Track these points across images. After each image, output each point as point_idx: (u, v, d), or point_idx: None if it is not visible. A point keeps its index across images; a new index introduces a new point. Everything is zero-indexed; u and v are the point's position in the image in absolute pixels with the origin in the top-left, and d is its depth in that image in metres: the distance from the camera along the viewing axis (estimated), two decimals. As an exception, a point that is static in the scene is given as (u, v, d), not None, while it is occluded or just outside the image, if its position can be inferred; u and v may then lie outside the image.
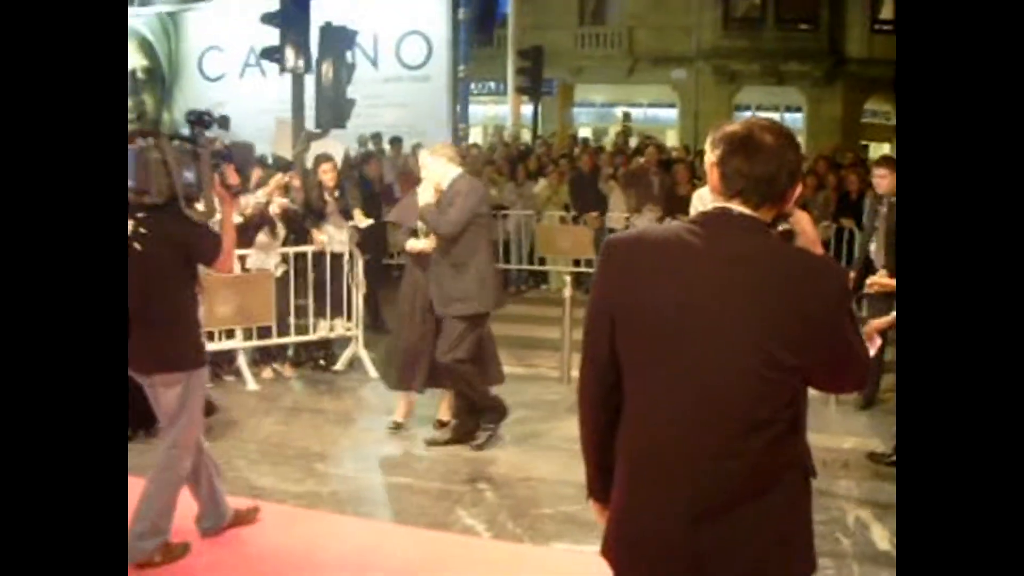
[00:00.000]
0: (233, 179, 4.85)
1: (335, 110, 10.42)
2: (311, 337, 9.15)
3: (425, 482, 6.26)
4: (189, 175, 4.58)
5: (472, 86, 21.33)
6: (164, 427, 4.85)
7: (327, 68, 10.49)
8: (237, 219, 8.42)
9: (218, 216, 4.85)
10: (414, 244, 6.93)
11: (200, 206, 4.68)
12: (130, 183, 4.47)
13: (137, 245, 4.49)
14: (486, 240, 6.84)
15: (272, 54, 10.52)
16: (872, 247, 7.45)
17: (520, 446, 6.84)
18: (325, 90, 10.49)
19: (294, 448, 6.85)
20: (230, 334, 8.71)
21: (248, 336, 8.74)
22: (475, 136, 22.58)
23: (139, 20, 23.63)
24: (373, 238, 10.03)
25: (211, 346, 8.59)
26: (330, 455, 6.80)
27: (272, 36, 10.80)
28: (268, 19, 10.41)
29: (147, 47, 23.64)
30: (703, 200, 4.87)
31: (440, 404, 7.26)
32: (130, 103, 23.71)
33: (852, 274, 6.74)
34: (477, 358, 6.78)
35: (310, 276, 8.88)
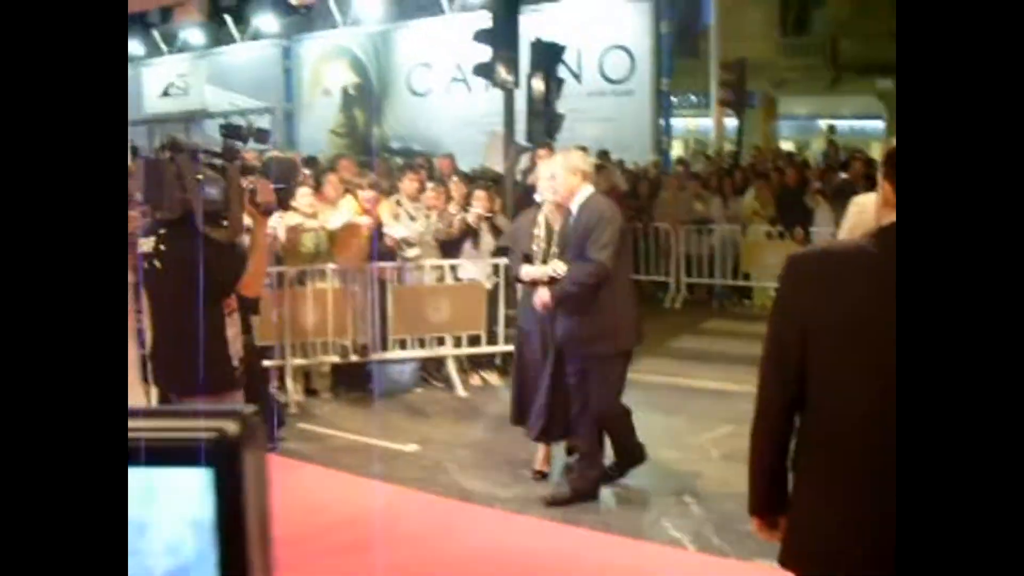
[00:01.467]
0: (267, 196, 4.49)
1: (545, 124, 10.59)
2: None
3: (631, 492, 6.29)
4: (212, 191, 4.26)
5: (673, 99, 21.21)
6: None
7: (537, 83, 10.68)
8: (408, 232, 8.70)
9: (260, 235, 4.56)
10: (530, 272, 6.13)
11: (228, 224, 4.38)
12: (139, 196, 4.37)
13: (157, 263, 4.34)
14: (628, 267, 6.39)
15: (483, 70, 10.75)
16: None
17: (727, 461, 6.78)
18: (535, 104, 10.68)
19: (502, 454, 6.99)
20: (441, 341, 9.00)
21: (458, 343, 9.00)
22: (677, 149, 22.45)
23: (350, 39, 24.58)
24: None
25: (422, 352, 8.92)
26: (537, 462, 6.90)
27: (481, 52, 11.05)
28: (480, 36, 10.65)
29: (358, 64, 24.54)
30: (859, 206, 4.72)
31: (536, 453, 6.63)
32: (341, 118, 24.69)
33: None
34: None
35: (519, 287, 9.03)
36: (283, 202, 4.68)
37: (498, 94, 11.00)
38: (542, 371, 6.17)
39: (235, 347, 4.55)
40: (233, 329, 4.54)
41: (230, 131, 4.67)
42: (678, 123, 21.17)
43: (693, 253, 13.36)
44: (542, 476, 6.52)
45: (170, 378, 4.37)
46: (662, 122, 20.15)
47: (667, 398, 8.50)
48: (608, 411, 6.02)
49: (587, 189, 5.95)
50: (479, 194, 8.99)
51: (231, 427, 0.93)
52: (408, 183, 9.13)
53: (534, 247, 6.15)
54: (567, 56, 18.13)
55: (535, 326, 6.27)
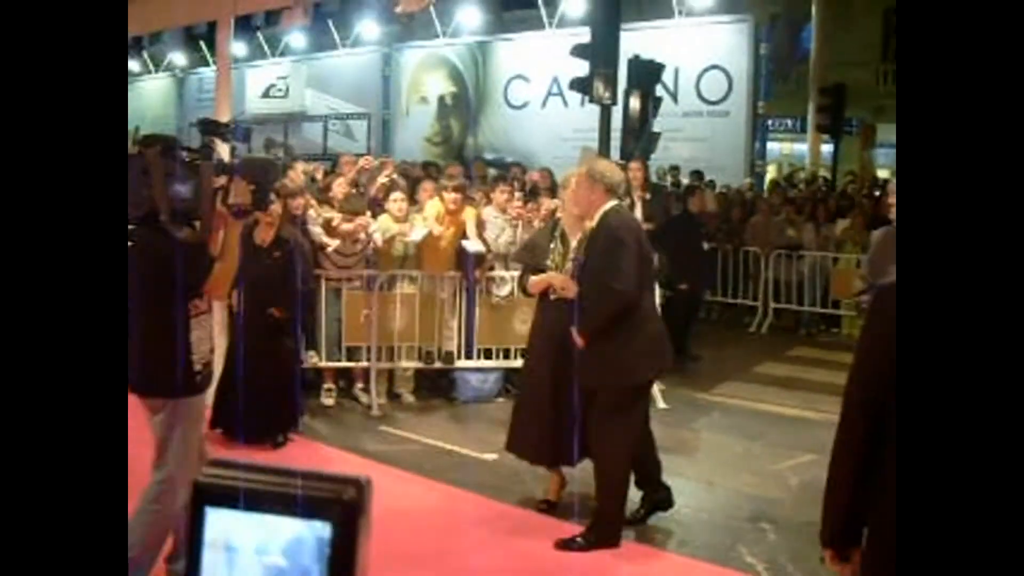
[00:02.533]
0: (240, 197, 4.18)
1: (640, 142, 10.60)
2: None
3: (709, 515, 6.26)
4: (183, 189, 4.05)
5: (769, 122, 21.05)
6: (156, 457, 4.38)
7: (634, 100, 10.70)
8: (481, 247, 8.70)
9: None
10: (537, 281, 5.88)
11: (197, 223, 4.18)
12: None
13: None
14: (651, 293, 5.74)
15: (580, 85, 10.80)
16: None
17: (806, 490, 6.70)
18: (631, 122, 10.70)
19: (580, 468, 6.98)
20: (525, 352, 9.03)
21: (542, 356, 9.02)
22: (771, 173, 22.25)
23: (449, 49, 24.82)
24: (687, 268, 10.18)
25: (507, 363, 8.95)
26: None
27: (579, 67, 11.09)
28: (578, 51, 10.71)
29: (456, 74, 24.78)
30: None
31: (549, 483, 6.29)
32: (436, 127, 24.93)
33: None
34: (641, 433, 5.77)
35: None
36: (259, 204, 4.45)
37: (593, 110, 11.03)
38: (547, 393, 5.81)
39: (200, 350, 4.39)
40: (200, 331, 4.39)
41: (208, 127, 4.53)
42: (773, 146, 20.99)
43: (782, 279, 13.23)
44: (549, 506, 6.14)
45: (130, 378, 4.05)
46: (757, 145, 20.01)
47: (748, 423, 8.44)
48: (613, 448, 5.52)
49: (610, 203, 5.44)
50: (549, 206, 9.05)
51: (350, 492, 1.11)
52: (499, 194, 9.19)
53: (548, 261, 5.86)
54: (664, 74, 18.20)
55: (545, 344, 5.90)
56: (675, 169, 16.90)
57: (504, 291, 8.90)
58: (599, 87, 10.26)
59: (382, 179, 9.69)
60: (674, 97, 19.65)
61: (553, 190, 10.33)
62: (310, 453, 7.25)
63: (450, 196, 8.68)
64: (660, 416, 8.51)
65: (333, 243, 8.31)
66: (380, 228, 8.52)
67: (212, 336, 4.64)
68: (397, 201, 8.66)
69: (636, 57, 11.20)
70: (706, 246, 12.08)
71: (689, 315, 10.92)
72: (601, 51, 10.35)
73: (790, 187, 17.25)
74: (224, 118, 11.27)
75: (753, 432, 8.14)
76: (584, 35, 11.62)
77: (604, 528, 5.53)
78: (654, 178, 15.91)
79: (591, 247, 5.46)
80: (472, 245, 8.50)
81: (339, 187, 8.91)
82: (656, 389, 8.98)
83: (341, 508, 1.11)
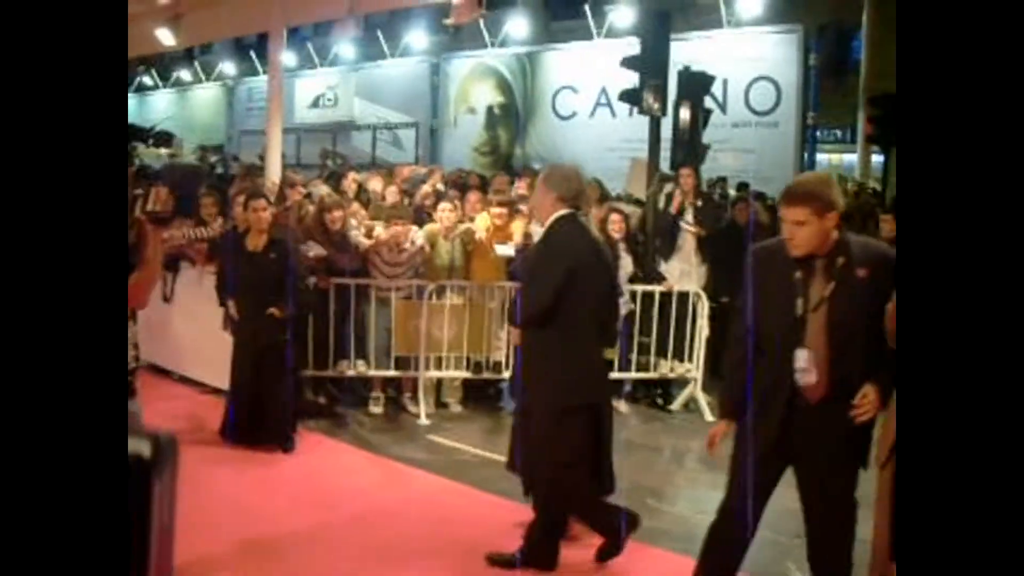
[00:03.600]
0: (160, 204, 4.02)
1: (690, 153, 10.55)
2: (651, 375, 9.26)
3: (757, 531, 6.20)
4: None
5: (818, 133, 20.89)
6: None
7: (684, 112, 10.65)
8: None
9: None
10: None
11: None
12: None
13: None
14: (588, 316, 5.18)
15: (630, 96, 10.78)
16: None
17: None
18: (681, 133, 10.65)
19: (627, 481, 6.94)
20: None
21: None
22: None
23: (498, 59, 24.90)
24: (732, 281, 10.10)
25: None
26: (663, 492, 6.87)
27: (627, 78, 11.06)
28: (628, 63, 10.67)
29: (504, 85, 24.85)
30: None
31: None
32: (485, 136, 25.01)
33: None
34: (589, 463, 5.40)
35: (655, 314, 9.02)
36: (184, 211, 4.20)
37: (642, 121, 10.99)
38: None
39: None
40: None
41: (131, 133, 4.19)
42: (822, 157, 20.81)
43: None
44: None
45: None
46: (806, 156, 19.85)
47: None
48: (544, 471, 5.31)
49: (560, 212, 5.18)
50: (614, 217, 8.99)
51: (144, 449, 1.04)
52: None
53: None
54: (714, 86, 18.11)
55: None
56: (722, 180, 16.76)
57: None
58: (649, 99, 10.23)
59: (427, 187, 9.73)
60: (722, 107, 19.55)
61: (601, 201, 10.34)
62: (323, 451, 7.39)
63: (496, 211, 8.70)
64: (707, 428, 8.47)
65: (311, 249, 8.32)
66: (425, 236, 8.58)
67: (137, 343, 4.48)
68: (445, 211, 8.70)
69: (686, 69, 11.16)
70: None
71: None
72: (651, 63, 10.31)
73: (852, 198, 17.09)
74: (276, 128, 11.44)
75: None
76: (632, 46, 11.60)
77: (534, 549, 5.33)
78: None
79: (531, 251, 5.43)
80: (503, 249, 8.51)
81: (390, 195, 8.98)
82: (703, 401, 8.96)
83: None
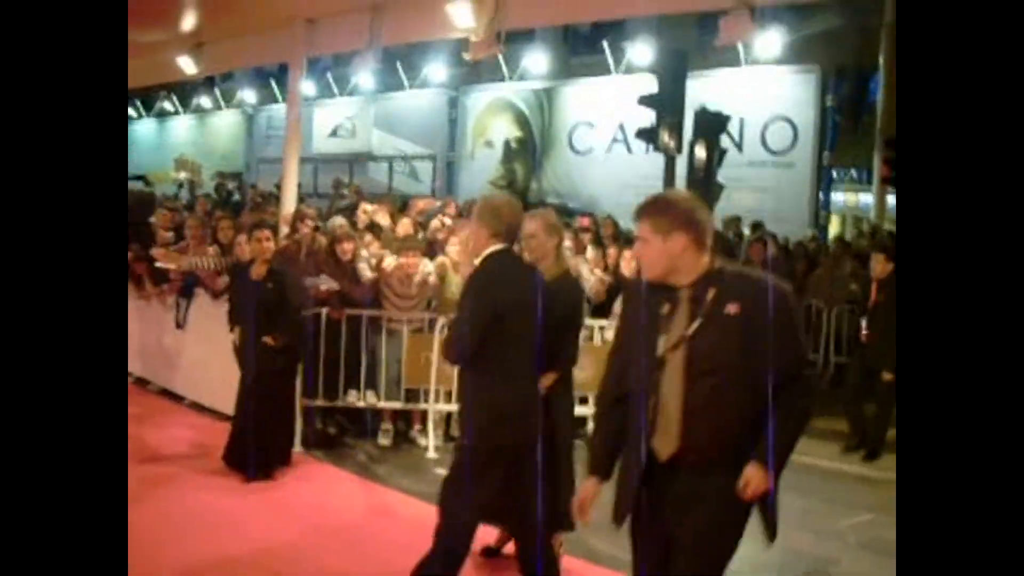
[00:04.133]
0: None
1: (704, 192, 10.59)
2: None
3: (762, 572, 6.16)
4: None
5: (835, 173, 20.89)
6: None
7: (700, 151, 10.71)
8: None
9: None
10: None
11: None
12: None
13: None
14: (519, 349, 4.89)
15: (647, 133, 10.84)
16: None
17: (865, 549, 6.60)
18: (696, 172, 10.71)
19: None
20: (584, 400, 8.99)
21: (599, 404, 8.98)
22: (835, 225, 22.04)
23: (515, 93, 24.98)
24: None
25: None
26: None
27: (644, 115, 11.11)
28: (646, 101, 10.75)
29: (522, 119, 24.90)
30: None
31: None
32: (501, 170, 25.05)
33: None
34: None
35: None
36: (137, 237, 4.00)
37: (658, 158, 11.06)
38: None
39: None
40: None
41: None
42: (837, 198, 20.79)
43: (844, 333, 13.04)
44: (491, 552, 6.01)
45: None
46: (821, 196, 19.84)
47: (805, 479, 8.29)
48: (448, 507, 5.02)
49: (493, 247, 4.94)
50: (627, 254, 9.01)
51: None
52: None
53: None
54: (730, 125, 18.08)
55: None
56: (737, 219, 16.69)
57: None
58: (665, 136, 10.29)
59: (435, 222, 9.76)
60: (739, 146, 19.57)
61: (616, 238, 10.36)
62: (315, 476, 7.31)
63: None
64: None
65: (323, 283, 8.36)
66: (435, 269, 8.60)
67: None
68: (454, 244, 8.71)
69: (703, 108, 11.22)
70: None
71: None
72: (668, 101, 10.38)
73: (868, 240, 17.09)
74: (292, 159, 11.51)
75: (810, 488, 8.00)
76: (650, 82, 11.66)
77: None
78: (718, 226, 15.85)
79: (463, 288, 5.10)
80: None
81: (402, 227, 9.01)
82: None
83: None
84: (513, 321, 4.80)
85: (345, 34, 11.04)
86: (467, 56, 9.53)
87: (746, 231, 16.12)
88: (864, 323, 8.96)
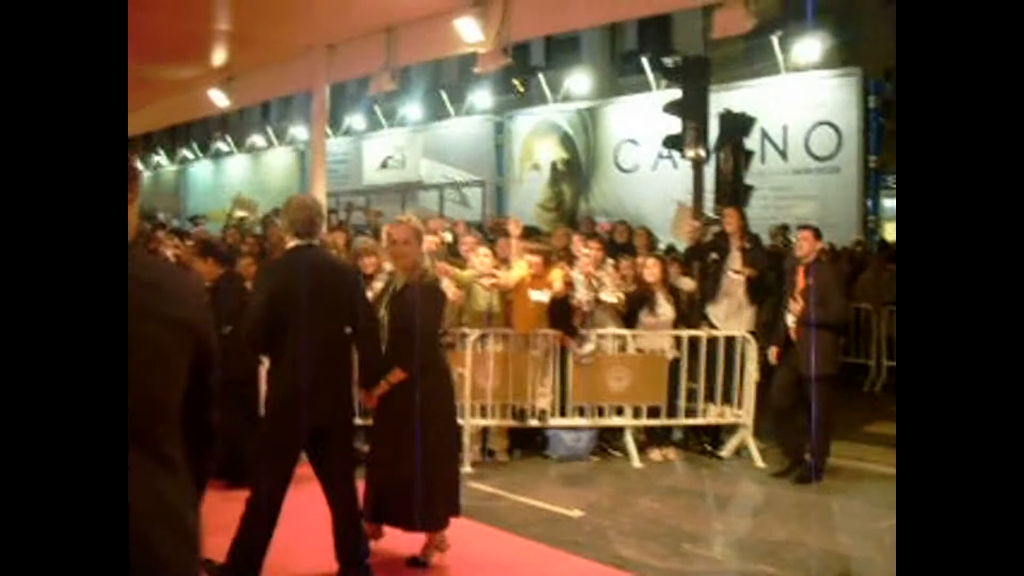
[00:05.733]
0: None
1: (732, 193, 10.52)
2: (699, 421, 9.13)
3: (794, 571, 6.07)
4: None
5: (884, 177, 20.54)
6: None
7: (725, 154, 10.64)
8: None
9: None
10: None
11: None
12: None
13: None
14: (310, 339, 5.06)
15: (674, 142, 10.81)
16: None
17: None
18: (723, 175, 10.64)
19: (665, 525, 6.89)
20: (620, 411, 8.97)
21: (637, 415, 8.94)
22: (889, 230, 21.72)
23: (559, 115, 25.08)
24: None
25: (601, 421, 8.91)
26: (700, 536, 6.74)
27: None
28: (670, 108, 10.73)
29: (567, 141, 24.98)
30: None
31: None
32: (549, 192, 25.12)
33: None
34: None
35: (702, 359, 8.93)
36: None
37: (704, 172, 11.00)
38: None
39: None
40: None
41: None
42: (889, 202, 20.44)
43: (896, 335, 12.84)
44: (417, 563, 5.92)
45: None
46: (869, 201, 19.52)
47: (848, 481, 8.18)
48: (249, 495, 5.22)
49: (292, 244, 5.29)
50: (650, 261, 8.98)
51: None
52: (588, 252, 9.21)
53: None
54: (773, 132, 17.95)
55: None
56: (784, 229, 16.38)
57: (586, 349, 8.84)
58: (690, 142, 10.25)
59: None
60: (783, 154, 19.41)
61: (649, 248, 10.31)
62: None
63: (530, 259, 8.71)
64: (756, 475, 8.36)
65: (379, 285, 8.43)
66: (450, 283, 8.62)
67: None
68: (479, 256, 8.75)
69: (726, 111, 11.16)
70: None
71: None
72: (692, 107, 10.35)
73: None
74: (319, 183, 11.69)
75: (853, 490, 7.89)
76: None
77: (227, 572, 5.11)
78: (765, 237, 15.66)
79: None
80: (537, 295, 8.51)
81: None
82: (754, 447, 8.81)
83: None
84: (298, 313, 4.98)
85: (364, 57, 11.25)
86: (476, 70, 9.64)
87: (792, 239, 15.89)
88: None
